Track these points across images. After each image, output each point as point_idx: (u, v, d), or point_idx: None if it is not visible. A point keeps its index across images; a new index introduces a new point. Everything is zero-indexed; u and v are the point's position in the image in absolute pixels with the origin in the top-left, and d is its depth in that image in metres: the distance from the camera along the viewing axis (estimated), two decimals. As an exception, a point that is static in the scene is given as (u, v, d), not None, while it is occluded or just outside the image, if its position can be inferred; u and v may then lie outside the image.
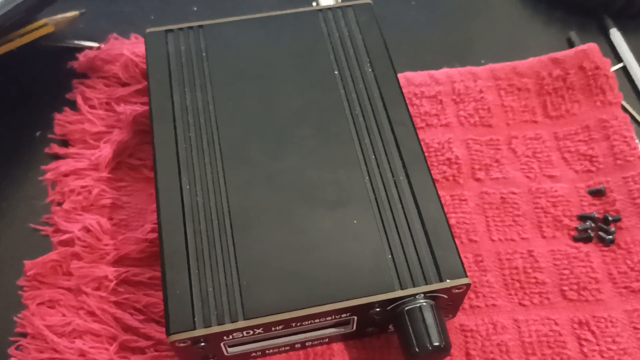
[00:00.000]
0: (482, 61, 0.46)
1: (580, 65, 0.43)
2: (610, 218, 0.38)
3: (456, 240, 0.37)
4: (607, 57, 0.44)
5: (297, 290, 0.30)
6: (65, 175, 0.40)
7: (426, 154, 0.40)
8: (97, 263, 0.37)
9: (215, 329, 0.29)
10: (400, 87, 0.37)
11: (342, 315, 0.31)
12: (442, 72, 0.44)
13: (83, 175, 0.40)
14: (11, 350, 0.35)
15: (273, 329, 0.30)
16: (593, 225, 0.38)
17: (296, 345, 0.33)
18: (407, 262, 0.31)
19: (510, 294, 0.36)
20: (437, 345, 0.29)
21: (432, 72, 0.44)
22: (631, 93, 0.44)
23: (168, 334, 0.29)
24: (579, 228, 0.38)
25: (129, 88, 0.43)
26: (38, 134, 0.43)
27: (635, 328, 0.34)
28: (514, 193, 0.39)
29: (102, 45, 0.46)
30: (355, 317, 0.31)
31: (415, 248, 0.31)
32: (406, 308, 0.30)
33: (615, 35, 0.47)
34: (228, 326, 0.29)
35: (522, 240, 0.37)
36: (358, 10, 0.41)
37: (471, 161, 0.40)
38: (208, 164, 0.34)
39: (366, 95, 0.37)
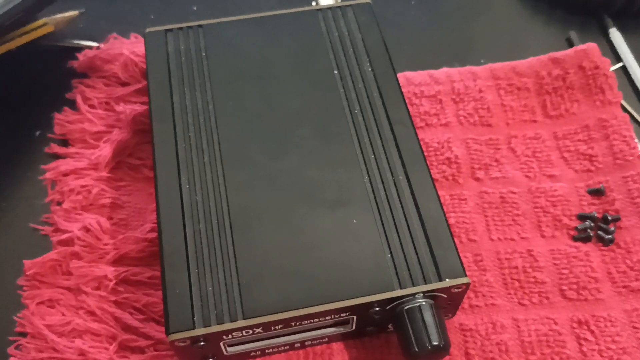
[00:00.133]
0: (482, 61, 0.46)
1: (580, 64, 0.43)
2: (609, 217, 0.38)
3: (456, 239, 0.37)
4: (607, 57, 0.44)
5: (296, 290, 0.30)
6: (65, 174, 0.40)
7: (426, 154, 0.40)
8: (96, 262, 0.37)
9: (215, 328, 0.29)
10: (399, 87, 0.37)
11: (342, 315, 0.31)
12: (442, 72, 0.44)
13: (83, 174, 0.40)
14: (11, 350, 0.35)
15: (272, 328, 0.30)
16: (592, 224, 0.38)
17: (296, 345, 0.33)
18: (406, 261, 0.31)
19: (509, 294, 0.36)
20: (436, 345, 0.29)
21: (432, 71, 0.44)
22: (631, 93, 0.44)
23: (167, 333, 0.29)
24: (579, 227, 0.38)
25: (128, 88, 0.43)
26: (38, 133, 0.43)
27: (634, 327, 0.34)
28: (513, 192, 0.39)
29: (102, 45, 0.46)
30: (355, 317, 0.31)
31: (415, 247, 0.31)
32: (405, 307, 0.30)
33: (615, 35, 0.47)
34: (227, 325, 0.29)
35: (521, 239, 0.37)
36: (358, 9, 0.41)
37: (471, 161, 0.40)
38: (208, 163, 0.34)
39: (366, 95, 0.37)
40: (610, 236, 0.37)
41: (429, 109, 0.42)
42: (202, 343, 0.29)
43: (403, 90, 0.39)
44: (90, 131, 0.42)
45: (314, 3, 0.49)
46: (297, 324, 0.30)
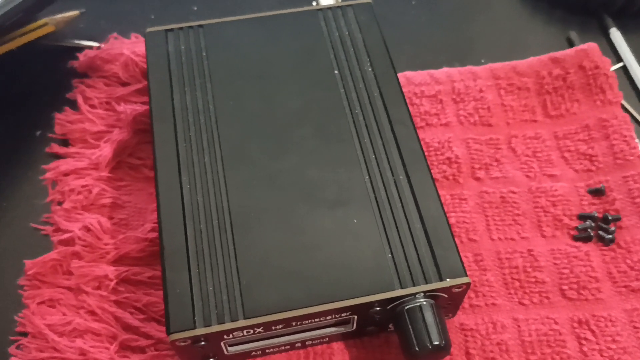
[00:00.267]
0: (482, 60, 0.46)
1: (580, 64, 0.43)
2: (610, 217, 0.38)
3: (456, 239, 0.37)
4: (607, 57, 0.44)
5: (297, 290, 0.30)
6: (66, 174, 0.40)
7: (426, 153, 0.40)
8: (97, 262, 0.37)
9: (216, 328, 0.29)
10: (400, 87, 0.37)
11: (342, 315, 0.31)
12: (442, 72, 0.44)
13: (83, 174, 0.40)
14: (11, 350, 0.35)
15: (273, 328, 0.30)
16: (593, 224, 0.38)
17: (296, 345, 0.33)
18: (407, 261, 0.31)
19: (510, 293, 0.36)
20: (437, 345, 0.29)
21: (432, 71, 0.44)
22: (631, 92, 0.44)
23: (168, 333, 0.29)
24: (579, 227, 0.38)
25: (129, 87, 0.43)
26: (38, 133, 0.43)
27: (634, 327, 0.34)
28: (513, 192, 0.39)
29: (103, 45, 0.46)
30: (355, 316, 0.31)
31: (415, 247, 0.31)
32: (406, 307, 0.30)
33: (615, 34, 0.47)
34: (228, 325, 0.29)
35: (521, 239, 0.37)
36: (358, 9, 0.41)
37: (471, 160, 0.40)
38: (208, 163, 0.34)
39: (366, 95, 0.37)
40: (610, 236, 0.37)
41: (429, 109, 0.42)
42: (202, 343, 0.29)
43: (403, 90, 0.39)
44: (91, 131, 0.42)
45: (314, 3, 0.49)
46: (298, 323, 0.30)
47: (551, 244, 0.37)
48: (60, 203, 0.40)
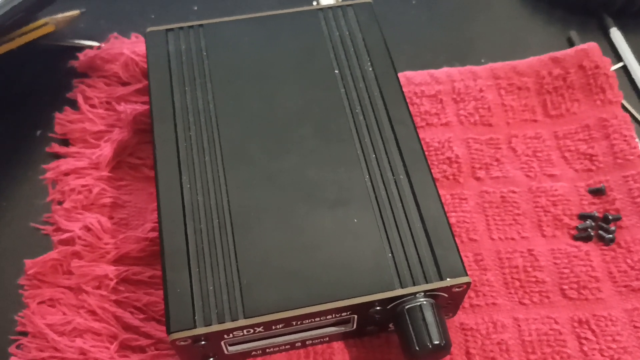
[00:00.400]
0: (482, 60, 0.46)
1: (580, 64, 0.43)
2: (610, 217, 0.38)
3: (456, 239, 0.37)
4: (607, 56, 0.44)
5: (297, 289, 0.30)
6: (66, 174, 0.40)
7: (426, 153, 0.40)
8: (97, 262, 0.37)
9: (216, 327, 0.29)
10: (400, 86, 0.37)
11: (343, 314, 0.31)
12: (442, 71, 0.44)
13: (83, 174, 0.40)
14: (12, 349, 0.35)
15: (273, 327, 0.30)
16: (593, 224, 0.38)
17: (296, 344, 0.33)
18: (407, 260, 0.31)
19: (510, 293, 0.36)
20: (437, 344, 0.29)
21: (432, 71, 0.44)
22: (631, 92, 0.44)
23: (168, 332, 0.29)
24: (579, 227, 0.38)
25: (129, 87, 0.43)
26: (38, 133, 0.43)
27: (635, 327, 0.34)
28: (514, 192, 0.39)
29: (103, 45, 0.46)
30: (356, 316, 0.31)
31: (416, 247, 0.31)
32: (406, 307, 0.30)
33: (616, 34, 0.47)
34: (228, 325, 0.29)
35: (522, 239, 0.37)
36: (358, 9, 0.41)
37: (471, 160, 0.40)
38: (208, 163, 0.34)
39: (366, 95, 0.37)
40: (610, 235, 0.37)
41: (429, 109, 0.42)
42: (203, 342, 0.29)
43: (403, 89, 0.39)
44: (91, 131, 0.42)
45: (314, 2, 0.49)
46: (298, 323, 0.30)
47: (551, 243, 0.37)
48: (60, 203, 0.40)
